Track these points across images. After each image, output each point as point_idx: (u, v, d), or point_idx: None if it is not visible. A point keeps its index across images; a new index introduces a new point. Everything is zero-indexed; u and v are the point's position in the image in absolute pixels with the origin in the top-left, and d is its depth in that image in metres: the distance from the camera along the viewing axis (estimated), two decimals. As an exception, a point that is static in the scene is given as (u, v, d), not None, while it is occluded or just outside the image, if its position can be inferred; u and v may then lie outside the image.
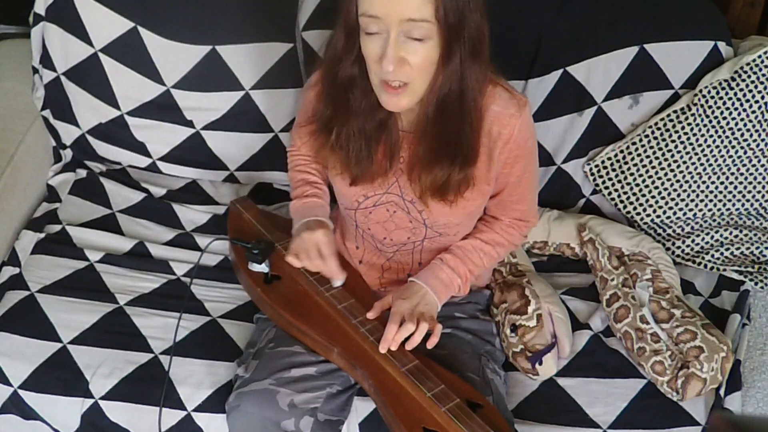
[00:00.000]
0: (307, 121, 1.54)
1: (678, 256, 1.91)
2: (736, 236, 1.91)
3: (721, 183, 1.93)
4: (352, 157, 1.46)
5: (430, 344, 1.45)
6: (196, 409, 1.55)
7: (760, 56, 1.92)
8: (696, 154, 1.91)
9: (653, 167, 1.92)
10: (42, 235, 1.85)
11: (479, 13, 1.32)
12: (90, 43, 1.93)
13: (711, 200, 1.93)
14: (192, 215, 1.98)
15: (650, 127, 1.92)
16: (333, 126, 1.46)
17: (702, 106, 1.90)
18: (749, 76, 1.91)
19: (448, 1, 1.26)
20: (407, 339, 1.44)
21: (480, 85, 1.38)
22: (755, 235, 1.92)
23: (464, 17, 1.29)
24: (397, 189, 1.50)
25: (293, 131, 1.71)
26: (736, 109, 1.91)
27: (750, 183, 1.95)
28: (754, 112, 1.92)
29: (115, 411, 1.56)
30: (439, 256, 1.58)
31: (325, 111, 1.47)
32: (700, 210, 1.93)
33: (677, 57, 1.93)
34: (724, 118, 1.91)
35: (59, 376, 1.58)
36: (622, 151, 1.93)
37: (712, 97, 1.91)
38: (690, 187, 1.92)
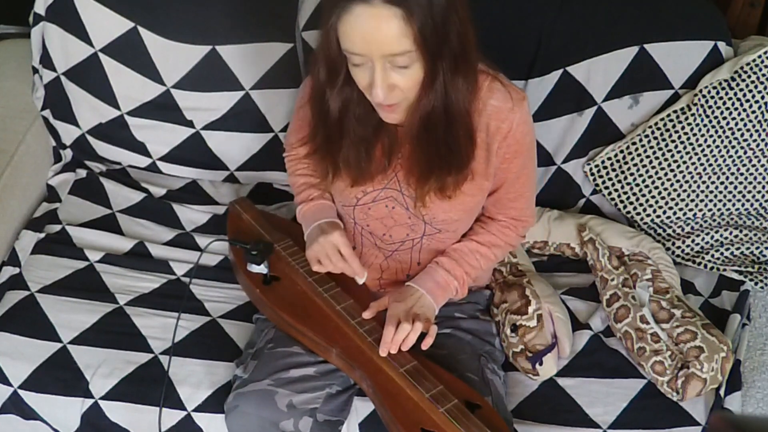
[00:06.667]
0: (301, 142, 1.55)
1: (678, 256, 1.91)
2: (736, 236, 1.91)
3: (721, 183, 1.93)
4: (352, 163, 1.46)
5: (425, 345, 1.45)
6: (195, 409, 1.55)
7: (760, 56, 1.92)
8: (696, 154, 1.91)
9: (653, 167, 1.92)
10: (42, 235, 1.85)
11: (461, 21, 1.29)
12: (90, 43, 1.93)
13: (711, 200, 1.93)
14: (192, 215, 1.97)
15: (650, 127, 1.92)
16: (329, 149, 1.47)
17: (702, 106, 1.90)
18: (749, 76, 1.91)
19: (426, 25, 1.24)
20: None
21: (468, 93, 1.38)
22: (755, 235, 1.92)
23: (446, 33, 1.27)
24: (395, 184, 1.50)
25: (290, 136, 1.70)
26: (736, 109, 1.91)
27: (750, 183, 1.95)
28: (754, 112, 1.92)
29: (115, 411, 1.56)
30: (435, 259, 1.58)
31: (316, 137, 1.47)
32: (700, 210, 1.93)
33: (677, 57, 1.93)
34: (724, 118, 1.91)
35: (59, 376, 1.58)
36: (622, 151, 1.93)
37: (712, 97, 1.90)
38: (690, 187, 1.92)
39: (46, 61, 1.96)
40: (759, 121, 1.92)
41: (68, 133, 2.03)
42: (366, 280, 1.63)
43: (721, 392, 1.60)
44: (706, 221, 1.95)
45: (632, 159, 1.92)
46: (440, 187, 1.44)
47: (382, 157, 1.48)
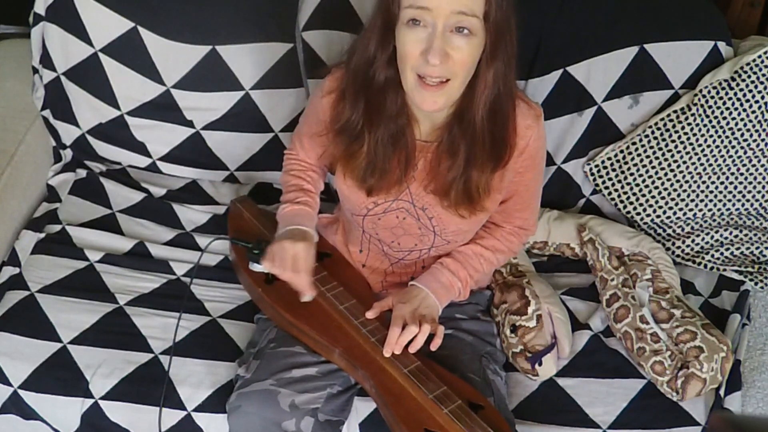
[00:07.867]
0: (326, 129, 1.49)
1: (678, 256, 1.91)
2: (736, 236, 1.92)
3: (721, 183, 1.93)
4: (378, 164, 1.43)
5: (434, 346, 1.45)
6: (196, 409, 1.55)
7: (760, 56, 1.92)
8: (696, 154, 1.91)
9: (653, 167, 1.92)
10: (42, 235, 1.85)
11: (515, 22, 1.34)
12: (90, 43, 1.93)
13: (711, 200, 1.93)
14: (192, 215, 1.97)
15: (650, 127, 1.92)
16: (365, 131, 1.42)
17: (702, 106, 1.91)
18: (749, 76, 1.91)
19: (498, 4, 1.28)
20: (410, 342, 1.44)
21: (514, 88, 1.40)
22: (755, 235, 1.92)
23: (509, 20, 1.31)
24: (408, 196, 1.50)
25: (295, 137, 1.68)
26: (736, 109, 1.91)
27: (750, 183, 1.95)
28: (754, 112, 1.92)
29: (115, 411, 1.56)
30: (440, 260, 1.58)
31: (352, 115, 1.43)
32: (700, 210, 1.93)
33: (677, 57, 1.93)
34: (724, 118, 1.91)
35: (59, 376, 1.58)
36: (622, 151, 1.93)
37: (712, 97, 1.91)
38: (690, 187, 1.92)
39: (46, 61, 1.96)
40: (759, 121, 1.92)
41: (68, 133, 2.03)
42: (370, 282, 1.64)
43: (721, 392, 1.60)
44: (706, 221, 1.95)
45: (632, 159, 1.92)
46: (485, 184, 1.43)
47: (398, 168, 1.46)
